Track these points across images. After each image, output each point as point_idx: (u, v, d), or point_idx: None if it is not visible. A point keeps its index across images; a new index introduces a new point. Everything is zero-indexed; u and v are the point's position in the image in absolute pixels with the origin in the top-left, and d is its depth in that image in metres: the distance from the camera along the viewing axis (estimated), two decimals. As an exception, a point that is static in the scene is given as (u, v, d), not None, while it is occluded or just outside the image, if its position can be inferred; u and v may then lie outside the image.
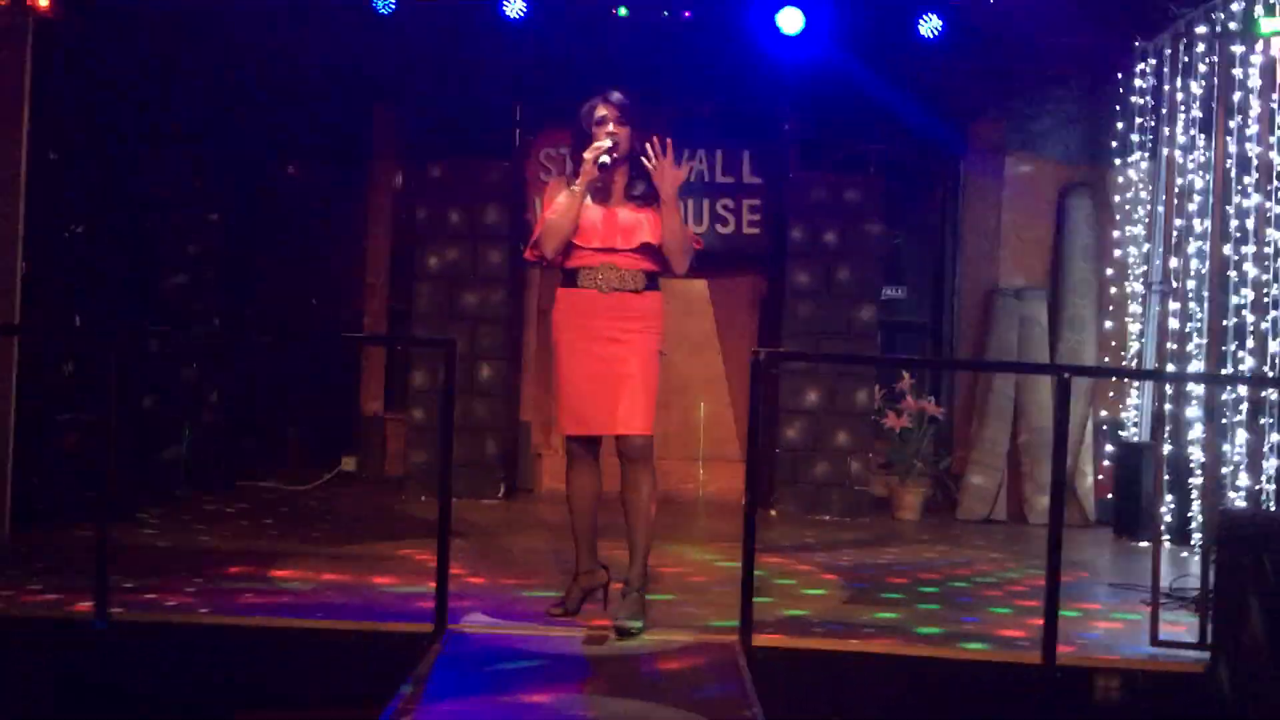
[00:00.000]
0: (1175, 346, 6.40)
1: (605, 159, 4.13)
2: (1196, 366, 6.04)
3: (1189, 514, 6.22)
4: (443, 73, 7.50)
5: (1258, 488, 5.22)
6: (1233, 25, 5.62)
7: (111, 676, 3.99)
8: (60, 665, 4.02)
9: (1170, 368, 6.32)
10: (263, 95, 7.38)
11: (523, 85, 7.64)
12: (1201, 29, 6.09)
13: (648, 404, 4.16)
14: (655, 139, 4.11)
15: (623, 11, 7.22)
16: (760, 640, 4.00)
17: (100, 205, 6.52)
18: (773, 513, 7.20)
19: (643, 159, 4.13)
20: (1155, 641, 4.14)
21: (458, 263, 7.38)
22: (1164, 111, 6.65)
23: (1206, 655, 3.94)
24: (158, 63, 6.83)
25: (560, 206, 4.17)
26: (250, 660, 4.01)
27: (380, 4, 6.98)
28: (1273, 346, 5.16)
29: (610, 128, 4.17)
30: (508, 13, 6.97)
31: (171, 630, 4.06)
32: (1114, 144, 7.35)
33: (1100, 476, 7.38)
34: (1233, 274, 5.65)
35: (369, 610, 4.31)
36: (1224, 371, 5.41)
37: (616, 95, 4.23)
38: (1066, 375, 3.99)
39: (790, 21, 7.00)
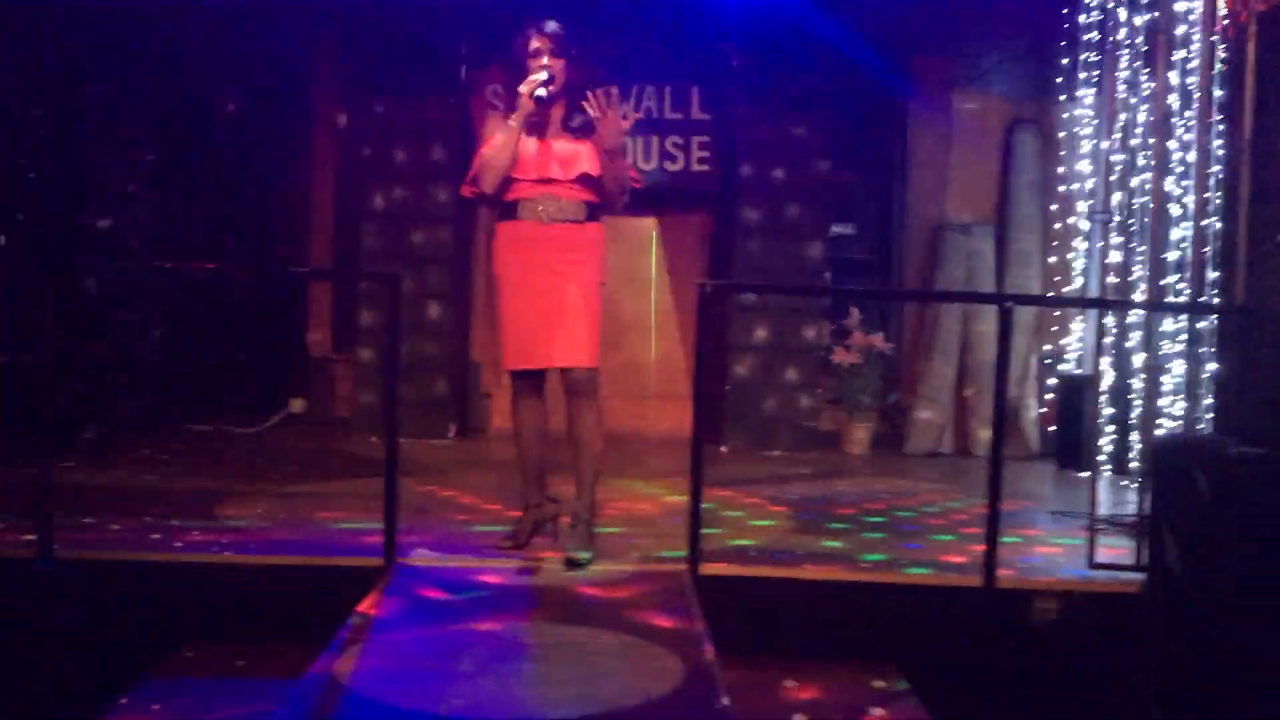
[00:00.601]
0: (1117, 280, 6.48)
1: (541, 92, 4.07)
2: (1138, 298, 6.13)
3: (1129, 444, 6.34)
4: (386, 7, 7.35)
5: (1195, 416, 5.33)
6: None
7: (56, 615, 3.95)
8: (3, 605, 3.98)
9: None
10: (200, 29, 7.20)
11: (468, 20, 7.51)
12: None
13: (590, 336, 4.15)
14: (599, 92, 4.03)
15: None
16: (708, 569, 4.04)
17: (28, 144, 6.35)
18: (722, 449, 7.26)
19: (584, 105, 4.05)
20: (1092, 564, 4.24)
21: (404, 201, 7.30)
22: (1109, 46, 6.68)
23: (1141, 576, 4.04)
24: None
25: (497, 142, 4.12)
26: (199, 596, 3.99)
27: (321, -64, 6.84)
28: (1210, 276, 5.24)
29: (545, 60, 4.10)
30: (451, -55, 6.85)
31: (117, 568, 4.02)
32: (1059, 79, 7.38)
33: (1044, 409, 7.50)
34: (1174, 207, 5.72)
35: (318, 546, 4.30)
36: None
37: (551, 25, 4.15)
38: (1008, 305, 4.03)
39: (738, -45, 6.94)
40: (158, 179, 7.24)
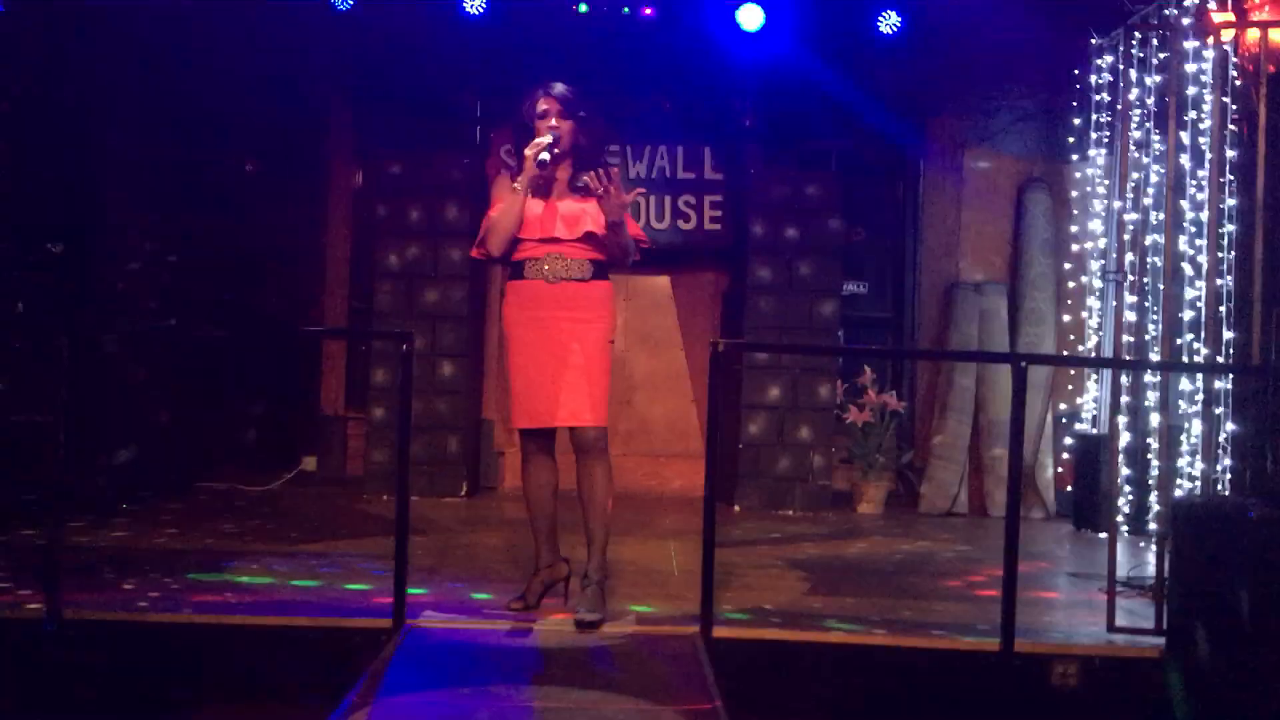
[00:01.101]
0: (1131, 339, 6.45)
1: (545, 156, 4.09)
2: (1154, 358, 6.10)
3: (1147, 504, 6.27)
4: (402, 68, 7.46)
5: (1214, 477, 5.27)
6: (1186, 20, 5.67)
7: (62, 677, 3.92)
8: (11, 666, 3.95)
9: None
10: (219, 91, 7.29)
11: (483, 81, 7.61)
12: (1157, 24, 6.15)
13: (599, 395, 4.14)
14: (601, 172, 4.05)
15: (583, 8, 7.21)
16: (720, 632, 3.99)
17: (50, 203, 6.42)
18: (735, 508, 7.21)
19: (587, 179, 4.07)
20: (1111, 628, 4.17)
21: (418, 260, 7.33)
22: (1119, 107, 6.71)
23: (1161, 640, 3.98)
24: (112, 58, 6.73)
25: (503, 205, 4.16)
26: (206, 658, 3.96)
27: (338, 0, 6.94)
28: (1226, 335, 5.21)
29: (552, 121, 4.14)
30: (467, 9, 6.95)
31: (124, 629, 3.99)
32: (1071, 139, 7.41)
33: (1060, 469, 7.44)
34: (1187, 266, 5.71)
35: (327, 607, 4.26)
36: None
37: (559, 87, 4.18)
38: (1023, 364, 4.01)
39: (750, 18, 7.02)
40: (175, 237, 7.30)
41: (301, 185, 8.16)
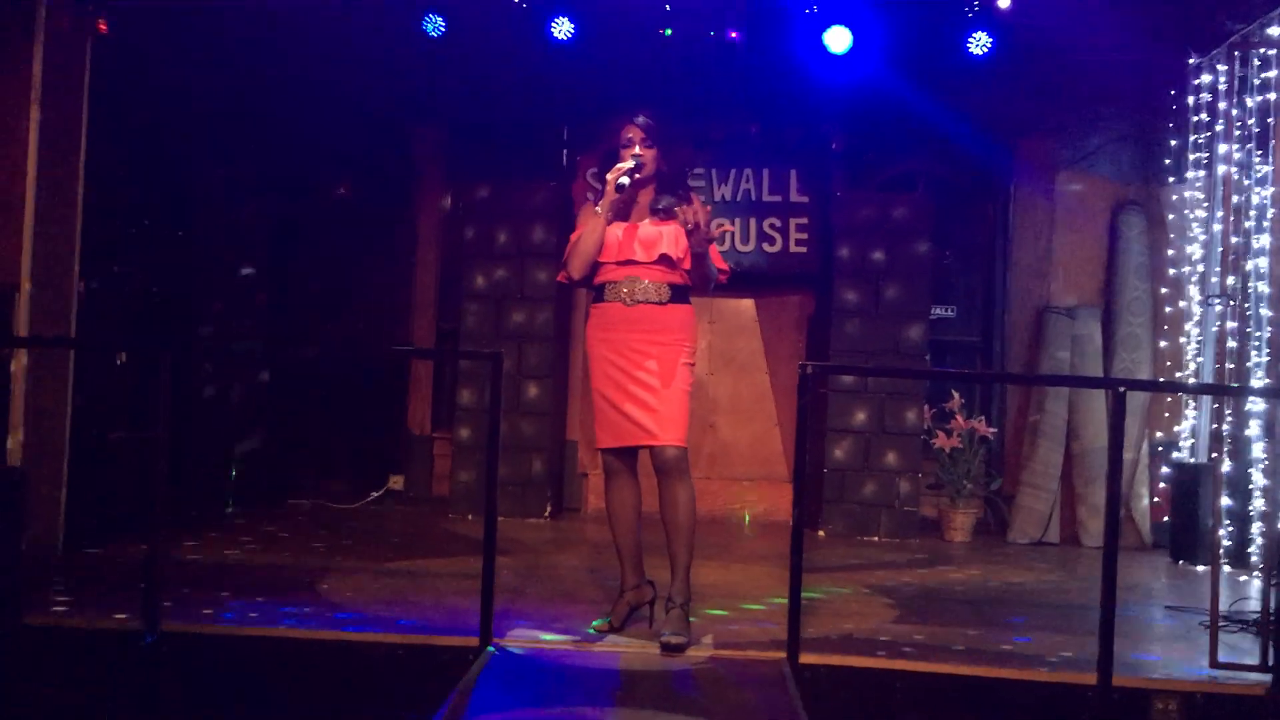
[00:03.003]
0: (1232, 365, 6.27)
1: (624, 180, 4.23)
2: (1257, 384, 5.92)
3: (1248, 537, 6.07)
4: (491, 94, 7.55)
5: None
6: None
7: (160, 690, 4.00)
8: (110, 679, 4.05)
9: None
10: (312, 117, 7.47)
11: (570, 106, 7.67)
12: (1258, 42, 6.00)
13: (677, 415, 4.18)
14: (691, 209, 4.14)
15: (668, 32, 7.24)
16: (807, 658, 3.95)
17: (152, 229, 6.63)
18: (821, 534, 7.13)
19: (677, 211, 4.16)
20: (1214, 664, 4.03)
21: (505, 282, 7.41)
22: (1219, 127, 6.55)
23: (1268, 678, 3.83)
24: (210, 88, 6.93)
25: (586, 229, 4.30)
26: (296, 673, 4.02)
27: (430, 27, 7.05)
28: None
29: (636, 149, 4.28)
30: (555, 34, 7.01)
31: (218, 643, 4.08)
32: (1167, 161, 7.25)
33: (1156, 499, 7.23)
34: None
35: (415, 625, 4.30)
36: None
37: (642, 118, 4.33)
38: (1122, 389, 3.91)
39: (838, 40, 6.97)
40: (269, 260, 7.48)
41: (392, 209, 8.31)
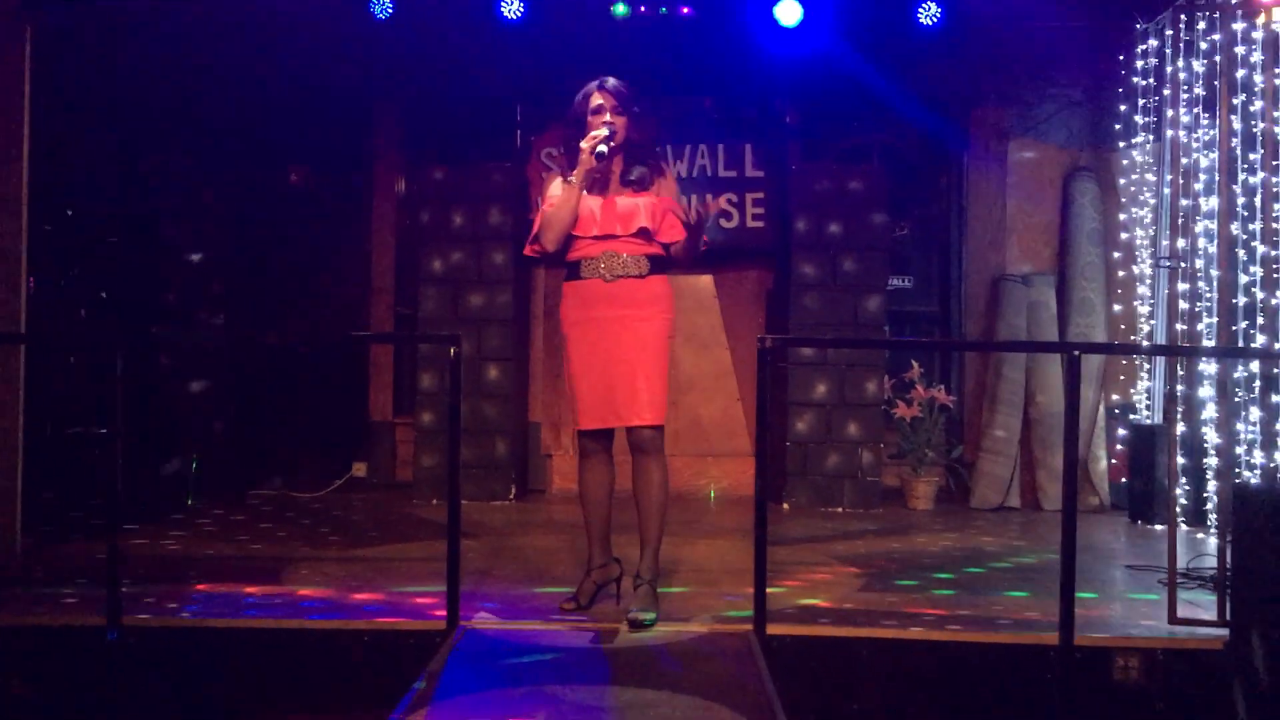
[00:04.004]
0: (1185, 327, 6.35)
1: (603, 148, 4.09)
2: (1208, 345, 6.00)
3: (1204, 495, 6.17)
4: (442, 75, 7.50)
5: (1272, 465, 5.17)
6: (1233, 2, 5.58)
7: (124, 685, 3.97)
8: (73, 675, 4.01)
9: (1181, 348, 6.27)
10: (263, 103, 7.38)
11: (523, 86, 7.64)
12: (1203, 5, 6.05)
13: (658, 394, 4.13)
14: (709, 201, 4.25)
15: (620, 9, 7.21)
16: (774, 629, 3.98)
17: (101, 217, 6.53)
18: (785, 506, 7.17)
19: (699, 210, 4.11)
20: (1173, 620, 4.11)
21: (462, 265, 7.37)
22: (1166, 92, 6.61)
23: (1224, 632, 3.91)
24: (156, 73, 6.83)
25: (558, 199, 4.15)
26: (263, 663, 4.00)
27: (377, 9, 6.99)
28: (1284, 322, 5.11)
29: (607, 116, 4.14)
30: (505, 13, 6.96)
31: (182, 636, 4.05)
32: (1117, 127, 7.31)
33: (1114, 461, 7.34)
34: (1241, 251, 5.61)
35: (381, 610, 4.29)
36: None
37: (613, 82, 4.20)
38: (1076, 353, 3.95)
39: (788, 13, 6.98)
40: (224, 248, 7.39)
41: (346, 194, 8.23)
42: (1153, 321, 6.99)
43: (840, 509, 7.14)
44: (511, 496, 7.33)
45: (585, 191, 4.16)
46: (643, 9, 7.22)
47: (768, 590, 4.01)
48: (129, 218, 6.81)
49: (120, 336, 5.93)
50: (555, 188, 4.21)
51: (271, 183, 8.08)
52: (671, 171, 4.27)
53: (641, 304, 4.14)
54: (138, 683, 3.98)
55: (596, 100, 4.17)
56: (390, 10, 6.92)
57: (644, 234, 4.15)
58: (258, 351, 7.63)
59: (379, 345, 8.16)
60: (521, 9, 6.96)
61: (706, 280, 8.05)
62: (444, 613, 4.01)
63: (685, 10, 7.29)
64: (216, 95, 7.22)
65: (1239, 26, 5.51)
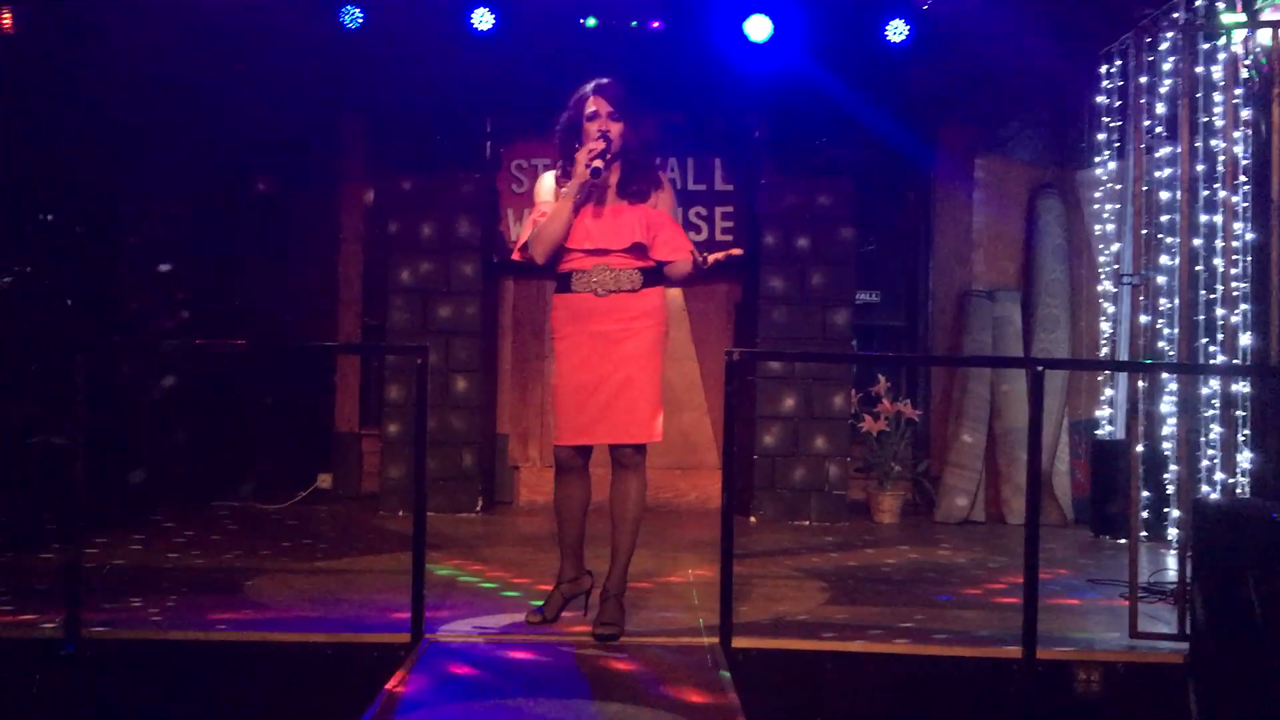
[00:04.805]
0: (1144, 342, 6.42)
1: (598, 163, 3.93)
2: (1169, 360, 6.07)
3: (1165, 510, 6.23)
4: (412, 86, 7.47)
5: (1232, 480, 5.24)
6: (1196, 22, 5.66)
7: (83, 698, 3.92)
8: (31, 689, 3.95)
9: (1143, 365, 6.34)
10: (230, 111, 7.33)
11: (493, 97, 7.63)
12: (1166, 26, 6.14)
13: (651, 411, 4.07)
14: (727, 254, 4.11)
15: (591, 22, 7.24)
16: (740, 642, 3.98)
17: (64, 227, 6.46)
18: (752, 519, 7.18)
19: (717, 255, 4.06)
20: (1134, 634, 4.14)
21: (431, 276, 7.34)
22: (1129, 111, 6.69)
23: (1185, 645, 3.94)
24: (123, 81, 6.77)
25: (553, 211, 4.03)
26: (224, 676, 3.95)
27: (348, 19, 6.98)
28: (1243, 340, 5.18)
29: (602, 123, 3.99)
30: (475, 25, 6.98)
31: (142, 649, 4.00)
32: (1082, 145, 7.40)
33: (1077, 475, 7.40)
34: (1201, 269, 5.69)
35: (346, 623, 4.26)
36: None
37: (609, 84, 4.03)
38: (1040, 368, 3.99)
39: (758, 29, 7.03)
40: (188, 257, 7.33)
41: (314, 204, 8.18)
42: (1116, 338, 7.07)
43: (807, 522, 7.16)
44: (478, 508, 7.30)
45: (579, 200, 4.02)
46: (613, 22, 7.25)
47: (734, 603, 4.02)
48: (92, 226, 6.73)
49: (80, 344, 5.87)
50: (546, 189, 4.10)
51: (238, 192, 8.02)
52: (669, 182, 4.16)
53: (636, 315, 4.04)
54: (96, 696, 3.92)
55: (591, 105, 4.00)
56: (360, 20, 6.92)
57: (638, 249, 4.04)
58: (222, 361, 7.56)
59: (346, 356, 8.11)
60: (493, 20, 6.97)
61: (675, 293, 8.04)
62: (409, 626, 3.98)
63: (656, 24, 7.33)
64: (183, 103, 7.16)
65: (1202, 47, 5.59)
